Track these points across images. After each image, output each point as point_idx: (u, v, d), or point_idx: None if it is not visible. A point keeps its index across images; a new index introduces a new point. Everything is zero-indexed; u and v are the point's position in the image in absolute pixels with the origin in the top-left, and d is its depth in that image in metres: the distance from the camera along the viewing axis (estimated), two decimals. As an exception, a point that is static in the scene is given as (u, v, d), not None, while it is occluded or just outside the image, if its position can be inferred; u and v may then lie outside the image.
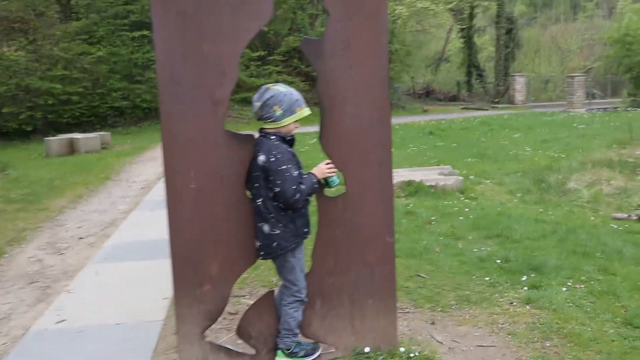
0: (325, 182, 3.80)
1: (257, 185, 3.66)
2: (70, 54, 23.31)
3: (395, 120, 24.16)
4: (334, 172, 3.78)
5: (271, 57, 28.98)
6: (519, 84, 37.44)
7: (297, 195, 3.52)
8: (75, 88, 22.96)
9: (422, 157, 13.63)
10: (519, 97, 37.12)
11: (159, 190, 10.12)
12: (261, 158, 3.59)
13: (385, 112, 3.84)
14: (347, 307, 3.95)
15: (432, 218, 7.92)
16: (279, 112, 3.58)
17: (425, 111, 32.81)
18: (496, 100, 38.36)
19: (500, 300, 4.98)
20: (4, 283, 6.07)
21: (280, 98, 3.57)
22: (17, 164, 15.45)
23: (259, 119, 3.68)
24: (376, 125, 3.83)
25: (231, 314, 4.99)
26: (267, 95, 3.59)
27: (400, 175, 10.31)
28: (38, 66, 22.56)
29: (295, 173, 3.55)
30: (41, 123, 22.61)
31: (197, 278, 3.80)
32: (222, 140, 3.72)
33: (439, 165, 12.12)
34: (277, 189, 3.53)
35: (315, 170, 3.73)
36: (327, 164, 3.78)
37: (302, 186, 3.56)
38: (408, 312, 4.85)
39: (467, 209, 8.35)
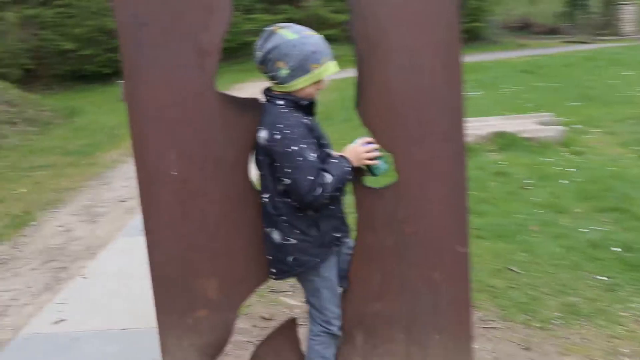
0: (367, 170, 2.58)
1: (262, 174, 2.49)
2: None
3: (487, 57, 22.25)
4: (377, 155, 2.54)
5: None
6: (628, 13, 33.88)
7: (318, 191, 2.33)
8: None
9: (516, 101, 11.94)
10: (628, 28, 33.62)
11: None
12: (262, 135, 2.41)
13: (455, 62, 2.52)
14: (401, 345, 2.75)
15: (528, 181, 6.50)
16: (284, 72, 2.36)
17: (521, 46, 30.24)
18: (601, 32, 34.97)
19: (623, 314, 3.64)
20: (18, 261, 5.24)
21: (286, 50, 2.34)
22: (88, 110, 14.95)
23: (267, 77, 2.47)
24: (442, 84, 2.53)
25: (265, 319, 3.92)
26: (269, 45, 2.37)
27: (489, 124, 8.83)
28: (114, 7, 22.01)
29: (313, 157, 2.34)
30: (121, 65, 22.22)
31: (187, 301, 2.71)
32: (213, 108, 2.54)
33: (536, 110, 10.48)
34: (287, 181, 2.35)
35: (349, 153, 2.50)
36: (367, 143, 2.55)
37: (327, 176, 2.36)
38: (494, 327, 3.61)
39: (571, 169, 6.84)
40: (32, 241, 5.75)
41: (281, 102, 2.40)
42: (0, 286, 4.69)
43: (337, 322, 2.64)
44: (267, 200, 2.48)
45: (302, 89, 2.39)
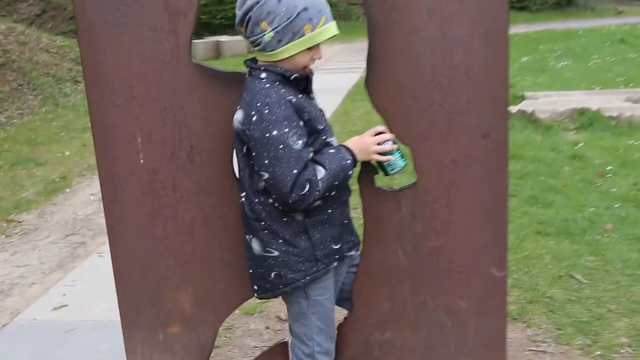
0: (378, 166, 2.03)
1: (239, 167, 1.97)
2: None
3: (580, 24, 20.76)
4: (391, 148, 1.98)
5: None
6: None
7: (305, 188, 1.79)
8: (229, -15, 22.16)
9: (606, 74, 10.85)
10: None
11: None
12: (237, 116, 1.89)
13: (500, 35, 1.91)
14: (413, 383, 2.22)
15: (608, 168, 5.72)
16: (268, 35, 1.82)
17: (619, 13, 28.19)
18: None
19: None
20: (40, 232, 4.96)
21: (270, 7, 1.79)
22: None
23: (250, 43, 1.94)
24: (481, 62, 1.93)
25: (281, 319, 3.46)
26: (250, 1, 1.82)
27: (571, 99, 7.98)
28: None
29: (298, 144, 1.80)
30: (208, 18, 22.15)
31: (158, 315, 2.26)
32: (189, 83, 2.04)
33: (627, 85, 9.46)
34: (265, 175, 1.82)
35: (354, 143, 1.95)
36: (378, 133, 1.99)
37: (319, 170, 1.83)
38: (543, 351, 3.01)
39: (661, 156, 6.01)
40: (60, 210, 5.48)
41: (263, 76, 1.87)
42: (14, 261, 4.41)
43: (325, 359, 2.11)
44: (244, 200, 1.97)
45: (291, 57, 1.84)
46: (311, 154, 1.87)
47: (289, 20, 1.77)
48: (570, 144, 6.50)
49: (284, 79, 1.86)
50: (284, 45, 1.81)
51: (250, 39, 1.87)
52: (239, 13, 1.86)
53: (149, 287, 2.22)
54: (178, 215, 2.15)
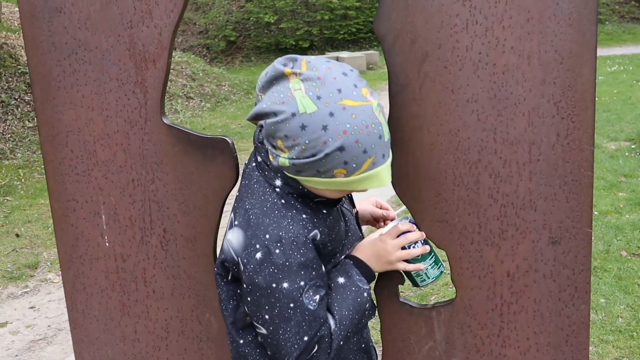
0: (405, 276, 1.46)
1: (218, 292, 1.42)
2: (347, -35, 22.13)
3: None
4: (421, 252, 1.40)
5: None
6: None
7: (312, 351, 1.26)
8: (352, 2, 21.87)
9: None
10: None
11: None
12: (232, 237, 1.31)
13: (579, 93, 1.29)
14: None
15: None
16: (283, 160, 1.23)
17: None
18: None
19: None
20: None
21: (288, 131, 1.19)
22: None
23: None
24: (550, 134, 1.32)
25: None
26: (262, 105, 1.24)
27: None
28: (315, -21, 21.82)
29: (316, 301, 1.26)
30: (318, 39, 22.09)
31: None
32: (159, 149, 1.57)
33: None
34: (263, 331, 1.28)
35: (369, 250, 1.40)
36: (403, 233, 1.40)
37: (329, 324, 1.29)
38: None
39: None
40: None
41: (278, 184, 1.31)
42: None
43: None
44: (227, 331, 1.43)
45: (313, 188, 1.29)
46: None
47: (312, 159, 1.18)
48: None
49: (303, 195, 1.30)
50: (306, 177, 1.24)
51: (262, 148, 1.33)
52: (258, 98, 1.28)
53: (117, 399, 1.77)
54: (151, 315, 1.68)
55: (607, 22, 19.86)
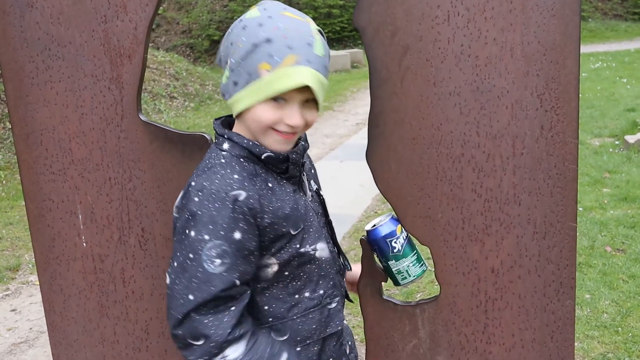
0: (385, 273, 1.44)
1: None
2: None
3: None
4: (402, 247, 1.38)
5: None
6: None
7: (196, 340, 1.21)
8: (336, 0, 21.83)
9: None
10: None
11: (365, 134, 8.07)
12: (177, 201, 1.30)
13: (562, 85, 1.27)
14: None
15: None
16: (225, 76, 1.26)
17: None
18: None
19: None
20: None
21: (233, 36, 1.23)
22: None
23: None
24: (533, 127, 1.30)
25: None
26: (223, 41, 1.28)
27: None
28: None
29: (216, 264, 1.20)
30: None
31: None
32: (136, 147, 1.53)
33: None
34: (167, 279, 1.25)
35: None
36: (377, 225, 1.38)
37: (238, 346, 1.23)
38: None
39: None
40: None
41: (225, 147, 1.29)
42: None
43: None
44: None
45: (250, 110, 1.24)
46: (276, 266, 1.29)
47: (244, 54, 1.20)
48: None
49: (253, 155, 1.29)
50: (236, 92, 1.23)
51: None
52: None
53: (97, 403, 1.73)
54: (130, 316, 1.65)
55: (590, 19, 20.00)
